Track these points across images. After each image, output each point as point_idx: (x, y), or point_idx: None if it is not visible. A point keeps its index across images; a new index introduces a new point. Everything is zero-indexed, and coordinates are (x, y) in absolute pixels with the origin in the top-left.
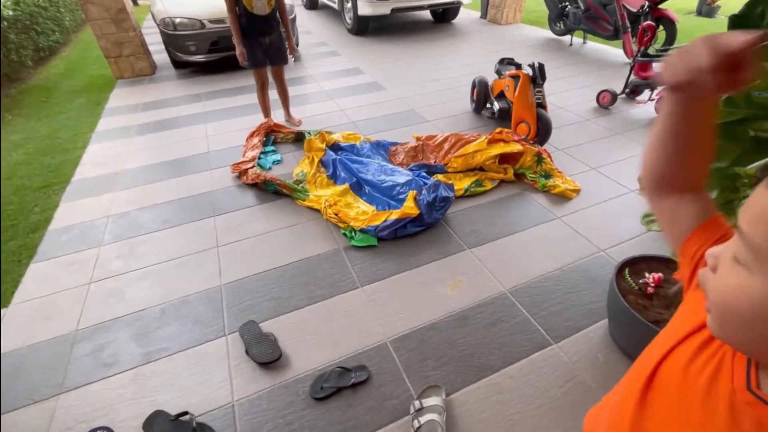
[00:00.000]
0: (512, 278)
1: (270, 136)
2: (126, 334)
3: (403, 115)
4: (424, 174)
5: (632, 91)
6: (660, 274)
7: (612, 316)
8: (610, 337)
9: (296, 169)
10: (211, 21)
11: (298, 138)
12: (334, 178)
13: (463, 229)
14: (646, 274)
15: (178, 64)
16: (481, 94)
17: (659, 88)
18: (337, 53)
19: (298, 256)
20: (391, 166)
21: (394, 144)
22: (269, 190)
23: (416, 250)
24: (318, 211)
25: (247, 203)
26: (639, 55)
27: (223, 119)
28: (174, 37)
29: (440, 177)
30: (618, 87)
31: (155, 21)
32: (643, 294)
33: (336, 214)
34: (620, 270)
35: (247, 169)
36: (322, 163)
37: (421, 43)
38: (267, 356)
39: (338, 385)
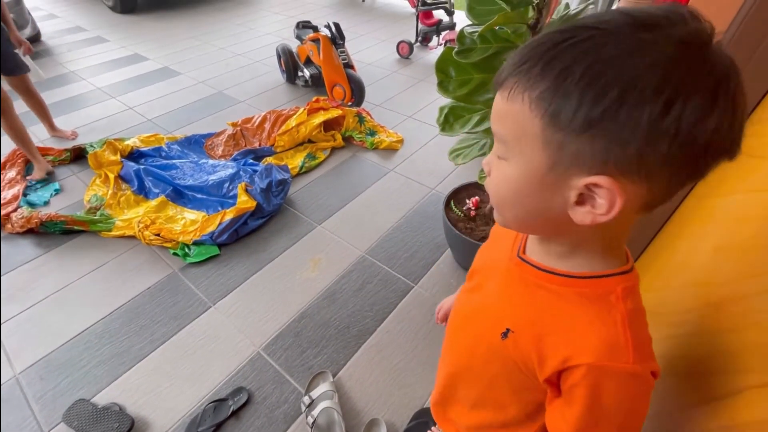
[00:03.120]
0: (366, 240)
1: (33, 163)
2: None
3: (211, 100)
4: (252, 161)
5: (423, 39)
6: (476, 197)
7: (451, 244)
8: (456, 263)
9: (86, 194)
10: None
11: (78, 155)
12: (142, 192)
13: (308, 207)
14: (467, 200)
15: None
16: (289, 63)
17: (444, 33)
18: (103, 39)
19: (122, 299)
20: (211, 161)
21: (208, 136)
22: (54, 231)
23: (265, 244)
24: (134, 237)
25: (25, 257)
26: (420, 4)
27: None
28: None
29: (271, 160)
30: (412, 37)
31: None
32: (468, 218)
33: (158, 234)
34: (447, 203)
35: (9, 214)
36: (122, 178)
37: (209, 16)
38: None
39: (216, 421)
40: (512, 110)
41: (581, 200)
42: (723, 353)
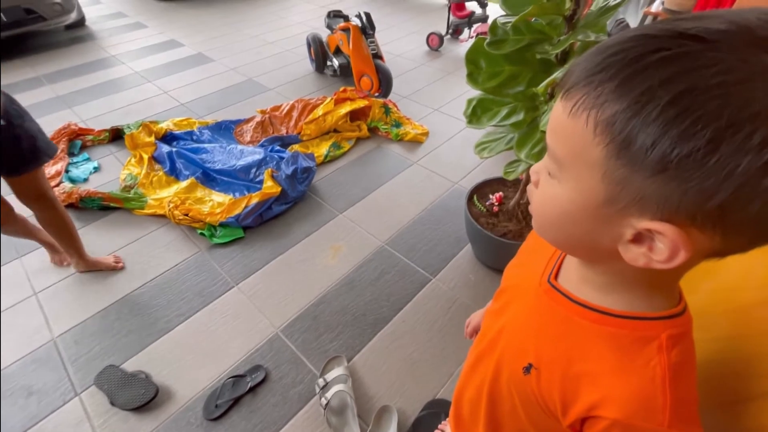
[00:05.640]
0: (386, 230)
1: (75, 141)
2: None
3: (241, 87)
4: (279, 147)
5: (455, 31)
6: (500, 193)
7: (471, 239)
8: (476, 258)
9: (122, 173)
10: None
11: (116, 136)
12: (174, 173)
13: (331, 195)
14: (490, 196)
15: None
16: (319, 52)
17: (476, 25)
18: (142, 25)
19: (150, 274)
20: (240, 147)
21: (238, 122)
22: (92, 207)
23: (288, 230)
24: (164, 216)
25: None
26: None
27: None
28: None
29: (297, 147)
30: (443, 29)
31: None
32: (490, 213)
33: (186, 214)
34: (470, 197)
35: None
36: (155, 159)
37: (243, 4)
38: (139, 399)
39: (234, 395)
40: (573, 128)
41: (638, 239)
42: (751, 357)
